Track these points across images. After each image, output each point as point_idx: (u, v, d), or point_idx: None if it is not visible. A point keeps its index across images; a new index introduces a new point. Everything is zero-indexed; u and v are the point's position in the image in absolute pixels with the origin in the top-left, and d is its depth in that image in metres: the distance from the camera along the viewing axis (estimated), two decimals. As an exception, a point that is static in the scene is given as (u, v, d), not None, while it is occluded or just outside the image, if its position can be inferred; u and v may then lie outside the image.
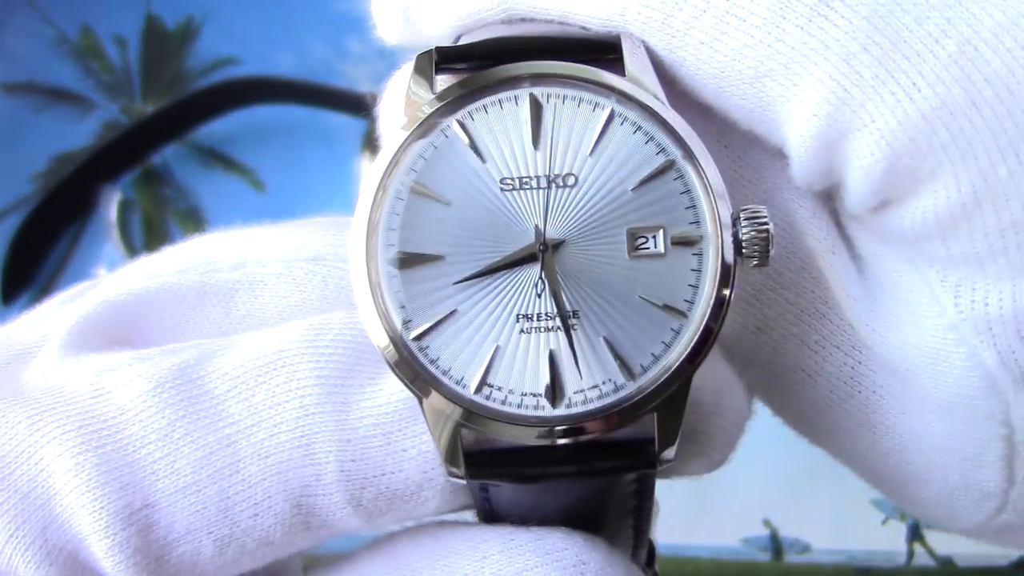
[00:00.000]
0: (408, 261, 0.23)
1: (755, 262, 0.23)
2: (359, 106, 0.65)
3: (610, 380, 0.23)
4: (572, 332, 0.23)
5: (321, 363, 0.24)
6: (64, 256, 0.65)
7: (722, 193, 0.23)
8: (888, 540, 0.55)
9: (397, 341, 0.23)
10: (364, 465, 0.24)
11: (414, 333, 0.23)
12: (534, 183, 0.24)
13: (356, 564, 0.25)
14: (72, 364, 0.24)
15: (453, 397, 0.23)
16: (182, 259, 0.26)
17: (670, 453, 0.23)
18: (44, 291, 0.64)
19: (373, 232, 0.23)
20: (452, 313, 0.23)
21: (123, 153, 0.66)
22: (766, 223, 0.23)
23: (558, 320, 0.23)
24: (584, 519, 0.25)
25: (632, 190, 0.24)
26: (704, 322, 0.23)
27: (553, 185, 0.24)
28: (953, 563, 0.54)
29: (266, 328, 0.25)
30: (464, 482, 0.24)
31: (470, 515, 0.26)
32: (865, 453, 0.27)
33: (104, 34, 0.68)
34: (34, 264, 0.64)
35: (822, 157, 0.24)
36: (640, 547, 0.27)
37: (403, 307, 0.23)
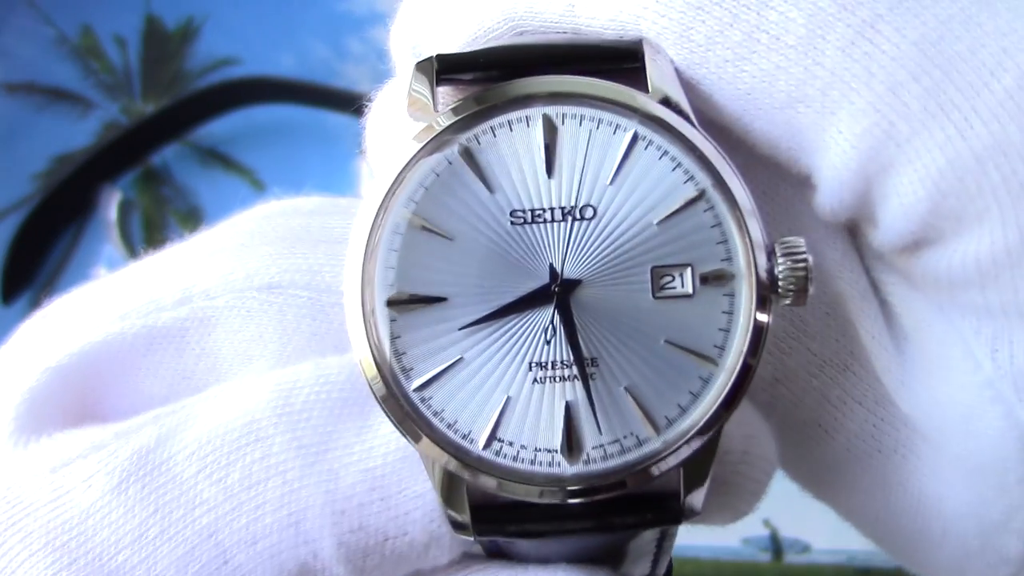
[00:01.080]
0: (408, 303, 0.21)
1: (789, 301, 0.21)
2: (359, 106, 0.65)
3: (632, 434, 0.21)
4: (591, 381, 0.21)
5: (298, 432, 0.22)
6: (64, 256, 0.65)
7: (757, 226, 0.21)
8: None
9: (396, 391, 0.21)
10: (364, 534, 0.22)
11: (416, 383, 0.21)
12: (548, 216, 0.22)
13: None
14: (23, 459, 0.22)
15: (459, 453, 0.21)
16: (121, 301, 0.24)
17: (697, 504, 0.21)
18: (44, 291, 0.64)
19: (371, 261, 0.21)
20: (458, 361, 0.21)
21: (123, 153, 0.66)
22: (804, 257, 0.21)
23: (575, 368, 0.21)
24: (597, 561, 0.23)
25: (657, 223, 0.21)
26: (737, 370, 0.21)
27: (569, 218, 0.21)
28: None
29: (223, 372, 0.23)
30: (472, 539, 0.22)
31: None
32: (876, 513, 0.25)
33: (104, 34, 0.68)
34: (34, 264, 0.64)
35: (857, 190, 0.22)
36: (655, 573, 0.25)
37: (404, 354, 0.21)
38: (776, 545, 0.55)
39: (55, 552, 0.21)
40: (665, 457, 0.21)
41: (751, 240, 0.21)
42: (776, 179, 0.24)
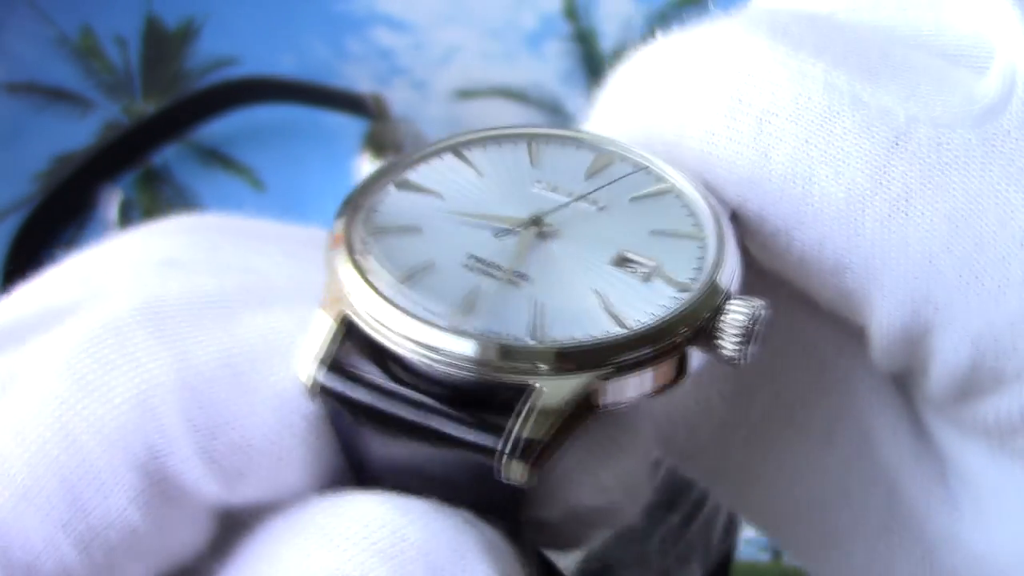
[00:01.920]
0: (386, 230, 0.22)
1: (725, 347, 0.21)
2: (359, 106, 0.65)
3: (514, 335, 0.20)
4: (511, 285, 0.21)
5: (160, 326, 0.21)
6: (64, 256, 0.65)
7: (732, 273, 0.22)
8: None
9: (352, 233, 0.22)
10: (213, 411, 0.21)
11: (372, 228, 0.22)
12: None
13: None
14: None
15: (368, 288, 0.21)
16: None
17: (516, 474, 0.20)
18: (44, 291, 0.64)
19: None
20: (413, 228, 0.22)
21: (123, 153, 0.66)
22: (761, 313, 0.21)
23: (506, 273, 0.21)
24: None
25: (649, 233, 0.22)
26: (640, 344, 0.20)
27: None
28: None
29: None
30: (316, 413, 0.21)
31: None
32: None
33: (104, 34, 0.68)
34: (34, 264, 0.64)
35: (904, 348, 0.23)
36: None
37: (375, 212, 0.22)
38: (776, 545, 0.55)
39: None
40: (528, 356, 0.20)
41: (719, 277, 0.21)
42: (840, 340, 0.25)
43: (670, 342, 0.20)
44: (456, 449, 0.20)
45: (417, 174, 0.23)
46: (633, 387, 0.20)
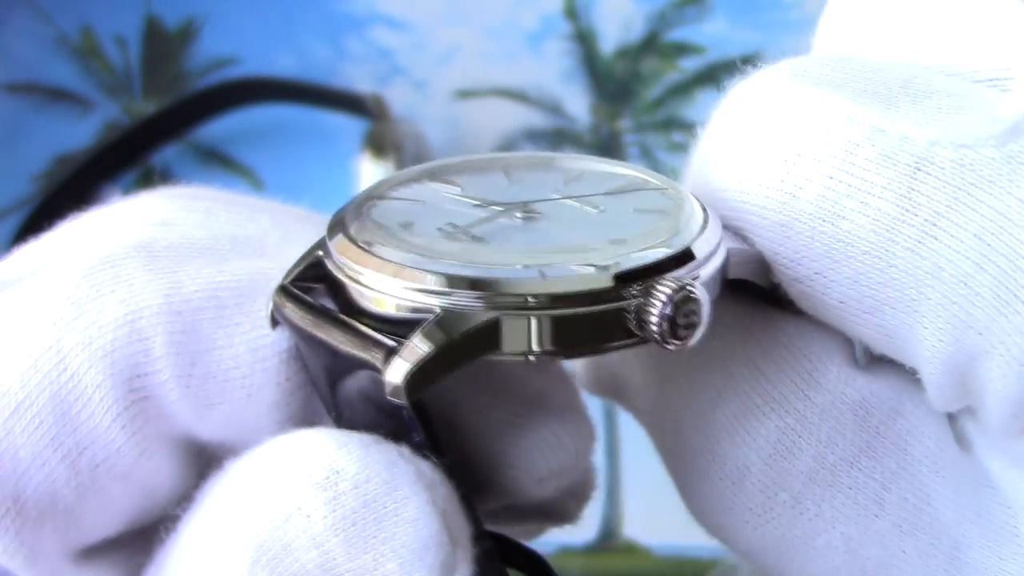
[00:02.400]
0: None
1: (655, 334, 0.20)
2: (359, 106, 0.65)
3: (433, 269, 0.20)
4: (469, 241, 0.21)
5: (152, 259, 0.22)
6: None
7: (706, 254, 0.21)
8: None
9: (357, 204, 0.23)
10: (195, 337, 0.22)
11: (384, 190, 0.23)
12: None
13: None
14: None
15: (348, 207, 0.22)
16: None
17: (395, 376, 0.19)
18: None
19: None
20: (406, 223, 0.22)
21: (123, 153, 0.66)
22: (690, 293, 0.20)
23: (468, 235, 0.21)
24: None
25: (633, 211, 0.22)
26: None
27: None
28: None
29: None
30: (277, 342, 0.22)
31: None
32: None
33: (104, 34, 0.68)
34: (34, 264, 0.64)
35: (956, 383, 0.22)
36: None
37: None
38: None
39: None
40: (436, 297, 0.20)
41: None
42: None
43: (580, 296, 0.20)
44: (357, 365, 0.20)
45: (398, 193, 0.23)
46: (536, 335, 0.20)
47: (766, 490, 0.24)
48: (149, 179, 0.67)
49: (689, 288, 0.20)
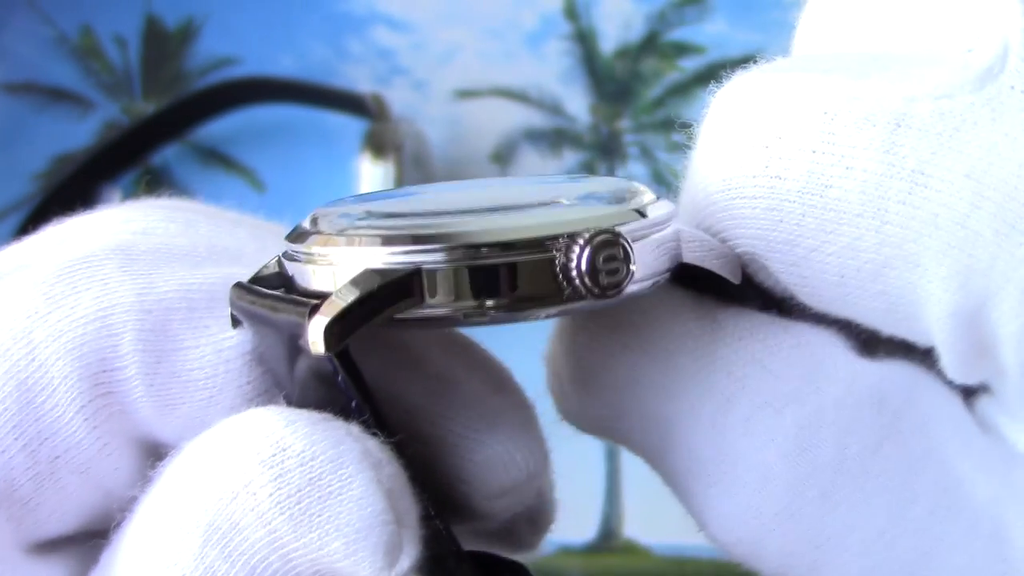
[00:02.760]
0: None
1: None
2: (359, 106, 0.65)
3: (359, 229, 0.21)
4: (422, 216, 0.22)
5: (130, 262, 0.23)
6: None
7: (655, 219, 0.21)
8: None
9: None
10: (162, 335, 0.22)
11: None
12: None
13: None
14: None
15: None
16: None
17: (316, 333, 0.19)
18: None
19: None
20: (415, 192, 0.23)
21: (123, 153, 0.66)
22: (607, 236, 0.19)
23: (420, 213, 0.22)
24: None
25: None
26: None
27: None
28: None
29: None
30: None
31: None
32: None
33: (104, 34, 0.68)
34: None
35: (969, 338, 0.21)
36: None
37: None
38: None
39: None
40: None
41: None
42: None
43: (502, 245, 0.19)
44: (290, 331, 0.20)
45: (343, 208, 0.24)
46: (457, 285, 0.19)
47: (792, 489, 0.23)
48: (149, 179, 0.67)
49: (609, 233, 0.19)
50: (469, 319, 0.20)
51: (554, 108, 0.66)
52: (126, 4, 0.69)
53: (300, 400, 0.22)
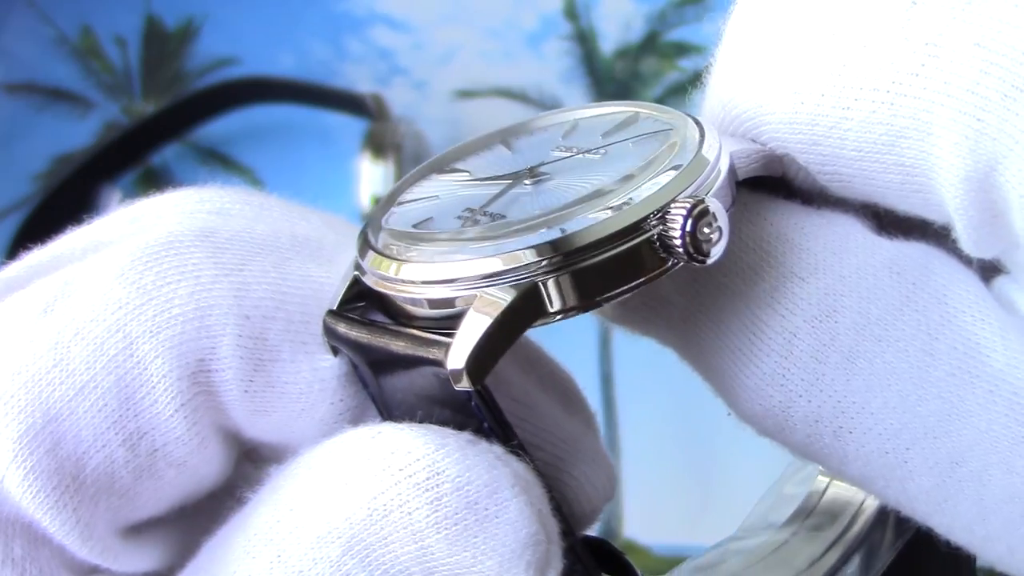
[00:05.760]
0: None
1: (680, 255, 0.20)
2: (359, 106, 0.65)
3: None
4: (482, 221, 0.22)
5: (217, 253, 0.23)
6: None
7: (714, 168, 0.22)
8: (888, 540, 0.55)
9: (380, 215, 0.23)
10: (261, 344, 0.22)
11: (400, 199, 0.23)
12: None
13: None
14: None
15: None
16: None
17: (457, 360, 0.19)
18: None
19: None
20: (426, 219, 0.22)
21: (123, 153, 0.66)
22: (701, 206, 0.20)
23: (479, 213, 0.22)
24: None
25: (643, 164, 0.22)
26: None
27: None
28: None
29: None
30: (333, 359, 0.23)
31: None
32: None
33: (104, 34, 0.68)
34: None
35: (981, 204, 0.22)
36: None
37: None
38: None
39: None
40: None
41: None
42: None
43: (604, 241, 0.20)
44: (424, 369, 0.21)
45: (411, 195, 0.24)
46: (575, 288, 0.20)
47: (816, 354, 0.24)
48: (149, 179, 0.67)
49: (702, 202, 0.20)
50: (588, 309, 0.20)
51: (554, 108, 0.66)
52: (126, 4, 0.69)
53: (405, 417, 0.22)
